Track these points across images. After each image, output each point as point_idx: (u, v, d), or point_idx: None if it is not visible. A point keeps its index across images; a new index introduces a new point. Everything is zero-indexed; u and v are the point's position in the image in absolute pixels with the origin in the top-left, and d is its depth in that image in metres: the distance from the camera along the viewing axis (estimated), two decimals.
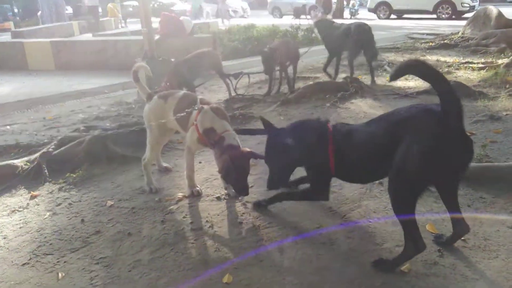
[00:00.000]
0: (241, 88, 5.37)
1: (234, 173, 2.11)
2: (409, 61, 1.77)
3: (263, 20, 18.71)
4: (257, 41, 8.62)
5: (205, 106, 2.37)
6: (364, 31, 5.00)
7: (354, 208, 2.27)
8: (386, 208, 2.24)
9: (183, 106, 2.44)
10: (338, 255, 1.88)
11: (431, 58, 7.00)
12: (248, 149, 2.27)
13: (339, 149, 1.90)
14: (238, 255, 1.92)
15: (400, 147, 1.66)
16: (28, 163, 2.97)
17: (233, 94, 4.97)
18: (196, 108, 2.37)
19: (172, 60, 5.16)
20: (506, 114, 3.63)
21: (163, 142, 2.87)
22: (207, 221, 2.23)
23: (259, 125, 3.83)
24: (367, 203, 2.31)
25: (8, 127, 4.27)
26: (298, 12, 16.86)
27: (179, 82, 4.39)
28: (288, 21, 18.43)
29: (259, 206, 2.30)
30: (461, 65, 6.11)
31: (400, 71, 1.71)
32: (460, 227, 1.84)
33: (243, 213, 2.29)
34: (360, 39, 4.95)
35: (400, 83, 5.26)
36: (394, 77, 1.69)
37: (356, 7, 20.17)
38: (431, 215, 2.15)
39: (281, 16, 22.59)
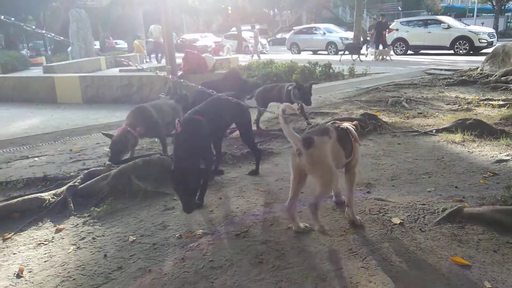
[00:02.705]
0: (260, 123, 5.46)
1: None
2: (230, 72, 3.39)
3: (282, 56, 19.12)
4: (276, 76, 8.82)
5: (340, 123, 2.58)
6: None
7: (375, 250, 2.24)
8: (408, 250, 2.21)
9: (341, 133, 2.45)
10: None
11: (449, 95, 7.01)
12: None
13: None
14: None
15: (238, 115, 3.35)
16: (54, 197, 3.07)
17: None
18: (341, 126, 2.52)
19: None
20: None
21: None
22: (226, 259, 2.24)
23: (278, 161, 3.90)
24: (388, 245, 2.28)
25: (36, 159, 4.46)
26: (353, 49, 15.65)
27: (146, 127, 3.79)
28: (306, 56, 18.80)
29: None
30: (481, 102, 6.08)
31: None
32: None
33: (263, 252, 2.28)
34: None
35: (419, 120, 5.27)
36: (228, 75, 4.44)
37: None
38: None
39: (299, 52, 23.16)
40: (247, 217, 2.74)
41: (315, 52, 22.56)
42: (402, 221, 2.51)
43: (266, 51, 25.13)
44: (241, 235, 2.49)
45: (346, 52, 15.53)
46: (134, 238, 2.54)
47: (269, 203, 2.95)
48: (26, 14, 32.76)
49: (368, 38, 16.44)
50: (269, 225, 2.62)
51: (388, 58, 15.12)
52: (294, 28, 26.41)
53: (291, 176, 2.41)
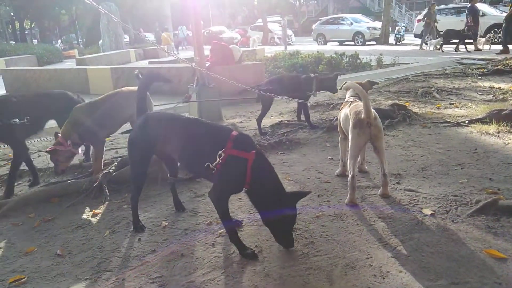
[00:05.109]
0: (286, 113, 5.47)
1: None
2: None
3: (308, 47, 18.87)
4: (302, 67, 8.76)
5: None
6: None
7: (405, 241, 2.22)
8: (440, 242, 2.18)
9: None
10: None
11: (483, 85, 6.75)
12: None
13: None
14: (286, 283, 1.95)
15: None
16: (90, 183, 3.21)
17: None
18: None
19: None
20: None
21: None
22: (256, 246, 2.28)
23: (306, 151, 3.90)
24: (418, 236, 2.25)
25: None
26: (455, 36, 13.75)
27: (79, 134, 3.27)
28: (332, 47, 18.49)
29: None
30: None
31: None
32: None
33: None
34: None
35: (451, 110, 5.12)
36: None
37: (401, 33, 19.93)
38: None
39: (325, 43, 22.83)
40: None
41: (341, 43, 22.18)
42: (433, 212, 2.48)
43: (292, 42, 24.91)
44: None
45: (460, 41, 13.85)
46: (167, 224, 2.62)
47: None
48: (60, 8, 33.90)
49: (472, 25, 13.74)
50: (298, 213, 2.63)
51: (487, 47, 13.67)
52: (320, 18, 26.02)
53: (353, 149, 2.66)
